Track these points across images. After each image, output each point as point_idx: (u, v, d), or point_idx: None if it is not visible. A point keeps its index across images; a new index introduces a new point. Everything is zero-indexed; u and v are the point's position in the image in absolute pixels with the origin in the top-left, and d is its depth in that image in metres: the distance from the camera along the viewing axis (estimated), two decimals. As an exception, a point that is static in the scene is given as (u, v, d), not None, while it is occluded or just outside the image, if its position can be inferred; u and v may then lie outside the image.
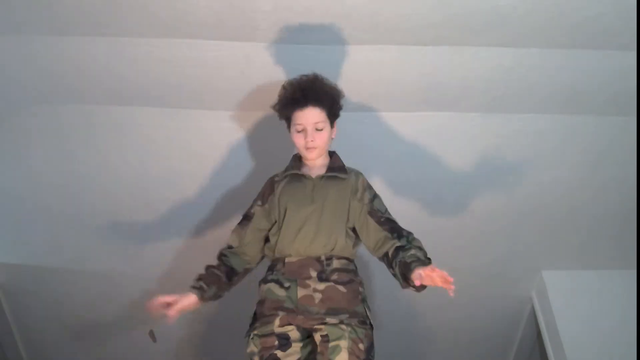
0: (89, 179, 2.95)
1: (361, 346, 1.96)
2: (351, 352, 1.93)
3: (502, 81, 2.57)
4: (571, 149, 2.85)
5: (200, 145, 2.84)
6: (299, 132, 2.10)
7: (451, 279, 1.76)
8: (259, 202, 2.24)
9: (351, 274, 2.10)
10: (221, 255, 2.20)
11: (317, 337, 2.01)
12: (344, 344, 1.94)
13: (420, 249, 2.02)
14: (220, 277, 2.13)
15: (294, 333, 2.02)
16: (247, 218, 2.24)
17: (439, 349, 3.71)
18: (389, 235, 2.07)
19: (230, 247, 2.22)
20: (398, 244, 2.02)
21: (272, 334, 2.01)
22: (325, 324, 1.99)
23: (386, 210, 2.17)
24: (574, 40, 2.37)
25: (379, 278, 3.08)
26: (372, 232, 2.10)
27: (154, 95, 2.66)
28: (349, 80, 2.57)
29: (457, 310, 3.49)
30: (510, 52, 2.44)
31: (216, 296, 2.13)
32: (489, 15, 2.24)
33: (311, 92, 2.09)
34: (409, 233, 2.09)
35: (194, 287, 2.08)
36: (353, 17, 2.27)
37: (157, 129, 2.79)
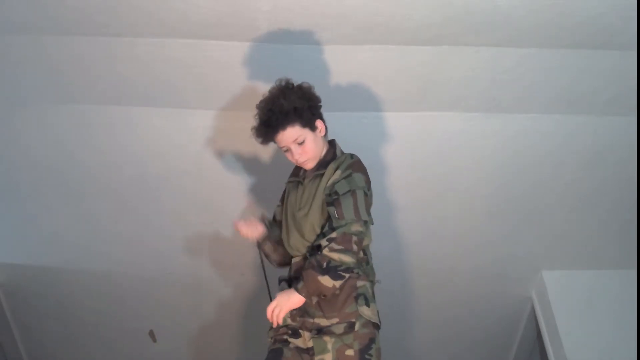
0: (89, 179, 2.95)
1: (350, 352, 1.96)
2: None
3: (502, 81, 2.57)
4: (571, 149, 2.85)
5: (199, 145, 2.84)
6: (285, 151, 2.14)
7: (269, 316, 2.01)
8: (279, 203, 2.34)
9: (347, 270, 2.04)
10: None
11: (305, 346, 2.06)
12: (328, 357, 1.97)
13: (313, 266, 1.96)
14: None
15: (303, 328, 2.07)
16: (273, 219, 2.36)
17: (439, 349, 3.71)
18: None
19: None
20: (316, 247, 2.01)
21: (284, 326, 2.08)
22: (311, 335, 2.02)
23: (347, 192, 1.99)
24: (574, 40, 2.36)
25: (378, 276, 3.08)
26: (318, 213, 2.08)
27: (154, 95, 2.66)
28: (349, 80, 2.57)
29: (457, 310, 3.49)
30: (510, 52, 2.43)
31: (275, 242, 2.24)
32: (489, 15, 2.24)
33: (273, 120, 2.04)
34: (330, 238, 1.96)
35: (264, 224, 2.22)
36: (353, 17, 2.26)
37: (156, 129, 2.79)
